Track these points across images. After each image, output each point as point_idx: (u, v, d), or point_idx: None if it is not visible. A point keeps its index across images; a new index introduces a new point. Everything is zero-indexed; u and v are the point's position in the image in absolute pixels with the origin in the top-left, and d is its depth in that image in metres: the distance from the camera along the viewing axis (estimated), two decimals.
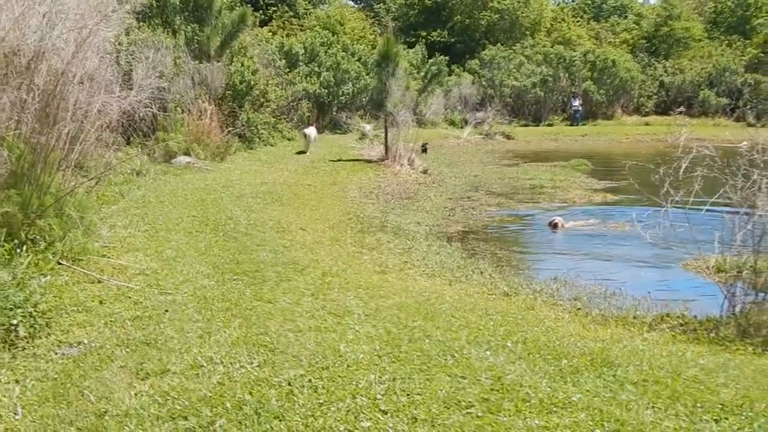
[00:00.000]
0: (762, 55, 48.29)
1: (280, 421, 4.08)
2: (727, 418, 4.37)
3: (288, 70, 28.10)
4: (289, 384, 4.58)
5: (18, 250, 6.43)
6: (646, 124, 41.87)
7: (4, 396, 4.44)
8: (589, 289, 8.97)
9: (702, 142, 8.32)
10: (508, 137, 33.89)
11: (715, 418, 4.36)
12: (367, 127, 23.98)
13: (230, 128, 19.36)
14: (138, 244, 8.55)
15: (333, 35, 35.26)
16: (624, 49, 53.49)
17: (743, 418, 4.38)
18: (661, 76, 48.32)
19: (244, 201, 12.21)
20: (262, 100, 22.26)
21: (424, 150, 22.29)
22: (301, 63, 29.63)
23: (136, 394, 4.44)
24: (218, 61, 20.82)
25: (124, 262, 7.66)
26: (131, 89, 10.59)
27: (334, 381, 4.65)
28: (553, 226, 13.44)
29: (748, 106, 37.73)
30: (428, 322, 6.13)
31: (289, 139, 23.85)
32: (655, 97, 47.68)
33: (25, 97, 7.72)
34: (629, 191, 15.94)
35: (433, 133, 30.87)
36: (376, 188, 16.44)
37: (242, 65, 21.10)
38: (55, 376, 4.79)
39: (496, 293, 8.34)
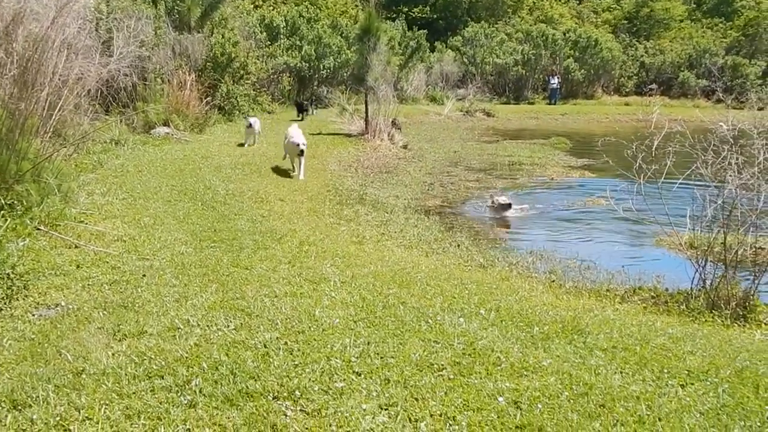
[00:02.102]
0: (743, 37, 48.67)
1: (256, 380, 4.14)
2: (692, 384, 4.48)
3: (269, 43, 27.96)
4: (265, 346, 4.64)
5: None
6: (626, 104, 42.04)
7: None
8: (565, 262, 9.09)
9: (679, 122, 8.42)
10: (489, 115, 33.95)
11: (681, 383, 4.47)
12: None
13: (210, 100, 19.27)
14: (116, 212, 8.57)
15: (318, 10, 35.10)
16: (605, 29, 53.67)
17: (708, 383, 4.49)
18: (642, 56, 48.51)
19: (222, 172, 12.22)
20: (242, 72, 22.13)
21: (395, 126, 21.75)
22: (282, 36, 29.48)
23: (113, 354, 4.49)
24: (199, 32, 20.70)
25: (102, 228, 7.68)
26: (111, 57, 10.54)
27: (309, 344, 4.72)
28: (501, 207, 12.39)
29: (722, 86, 37.92)
30: (403, 289, 6.21)
31: (269, 112, 23.80)
32: (635, 77, 47.89)
33: (4, 61, 7.70)
34: (607, 169, 16.05)
35: (413, 109, 30.92)
36: (356, 162, 16.48)
37: (223, 37, 20.96)
38: (33, 336, 4.83)
39: (472, 265, 8.45)
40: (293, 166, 13.69)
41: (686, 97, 43.84)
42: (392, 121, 21.24)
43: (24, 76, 7.90)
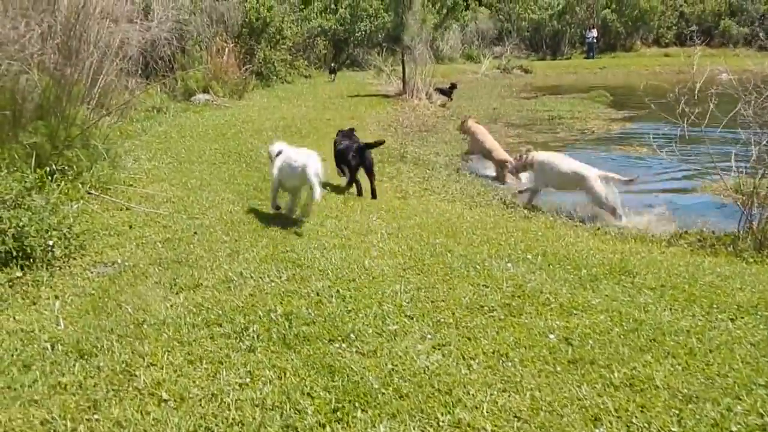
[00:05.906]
0: None
1: (311, 326, 4.24)
2: (742, 317, 4.51)
3: (303, 6, 27.94)
4: (318, 294, 4.75)
5: (49, 179, 6.61)
6: (666, 55, 41.34)
7: (46, 310, 4.63)
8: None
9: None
10: (526, 71, 33.68)
11: (731, 317, 4.51)
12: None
13: (248, 66, 19.37)
14: (163, 175, 8.72)
15: None
16: None
17: (758, 317, 4.52)
18: (681, 6, 47.56)
19: (264, 134, 12.30)
20: (278, 37, 22.18)
21: (450, 93, 20.92)
22: None
23: (171, 306, 4.62)
24: None
25: (151, 191, 7.83)
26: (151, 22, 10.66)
27: (360, 291, 4.82)
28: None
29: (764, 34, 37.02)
30: (450, 239, 6.28)
31: (306, 77, 23.85)
32: (675, 27, 47.00)
33: (48, 31, 7.83)
34: (649, 118, 15.87)
35: (450, 68, 30.74)
36: (395, 121, 16.48)
37: (257, 2, 21.00)
38: (93, 291, 4.98)
39: (517, 216, 8.47)
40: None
41: (727, 47, 42.92)
42: (449, 87, 20.81)
43: (68, 44, 8.03)
